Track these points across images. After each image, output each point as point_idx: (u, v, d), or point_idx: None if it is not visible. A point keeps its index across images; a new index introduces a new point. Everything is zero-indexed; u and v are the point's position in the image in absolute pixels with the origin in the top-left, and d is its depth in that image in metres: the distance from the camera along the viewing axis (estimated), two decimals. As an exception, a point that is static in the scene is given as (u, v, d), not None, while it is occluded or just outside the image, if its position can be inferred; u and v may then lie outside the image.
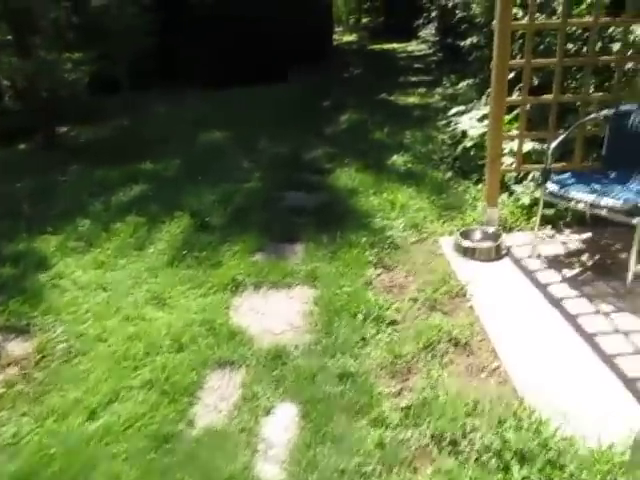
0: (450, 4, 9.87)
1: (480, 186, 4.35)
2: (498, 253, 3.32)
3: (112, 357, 2.68)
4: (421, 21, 17.26)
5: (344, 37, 22.51)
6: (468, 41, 5.39)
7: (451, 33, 11.41)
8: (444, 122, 5.49)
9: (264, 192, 4.82)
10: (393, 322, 2.80)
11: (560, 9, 3.94)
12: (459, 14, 5.52)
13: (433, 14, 14.95)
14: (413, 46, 17.10)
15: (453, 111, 5.60)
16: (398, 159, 5.33)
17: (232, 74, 10.75)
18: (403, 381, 2.40)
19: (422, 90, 9.07)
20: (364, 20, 29.07)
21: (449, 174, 4.74)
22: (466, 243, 3.38)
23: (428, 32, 16.29)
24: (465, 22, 5.61)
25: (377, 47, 17.89)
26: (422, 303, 2.93)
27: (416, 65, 12.58)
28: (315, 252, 3.63)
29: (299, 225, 4.09)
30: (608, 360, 2.32)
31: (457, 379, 2.36)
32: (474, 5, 5.16)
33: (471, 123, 4.69)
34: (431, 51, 14.79)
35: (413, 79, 10.49)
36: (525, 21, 3.41)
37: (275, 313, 3.03)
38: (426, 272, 3.26)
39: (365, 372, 2.45)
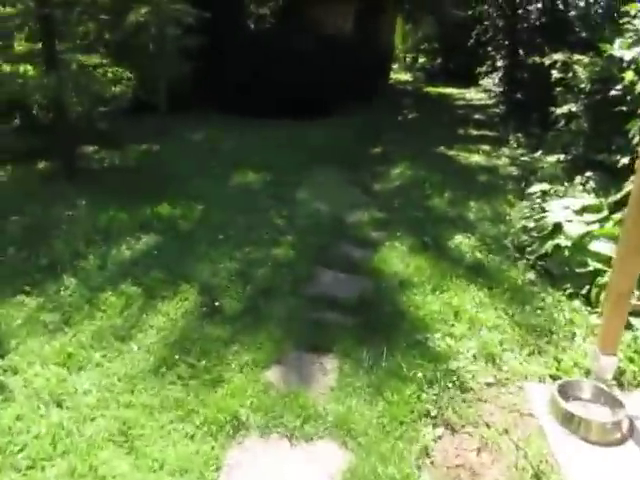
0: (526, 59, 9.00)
1: (577, 303, 3.33)
2: (619, 431, 2.29)
3: None
4: (484, 69, 16.44)
5: (399, 75, 21.88)
6: (565, 109, 4.43)
7: (521, 87, 10.50)
8: (526, 203, 4.47)
9: (294, 266, 3.90)
10: None
11: None
12: (555, 75, 4.59)
13: (499, 63, 14.09)
14: (472, 94, 16.24)
15: (535, 189, 4.62)
16: (463, 241, 4.35)
17: (279, 105, 10.05)
18: None
19: (486, 148, 8.11)
20: (421, 60, 28.54)
21: (531, 275, 3.73)
22: (570, 408, 2.36)
23: (490, 81, 15.42)
24: (561, 85, 4.66)
25: (433, 90, 17.11)
26: (509, 518, 1.92)
27: (477, 116, 11.65)
28: (351, 379, 2.66)
29: (332, 326, 3.14)
30: None
31: None
32: (579, 68, 4.19)
33: (566, 215, 3.69)
34: (492, 102, 13.87)
35: (474, 133, 9.56)
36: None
37: (285, 490, 2.06)
38: (510, 448, 2.25)
39: None
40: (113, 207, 4.82)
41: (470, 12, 17.73)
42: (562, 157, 4.58)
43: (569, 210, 3.78)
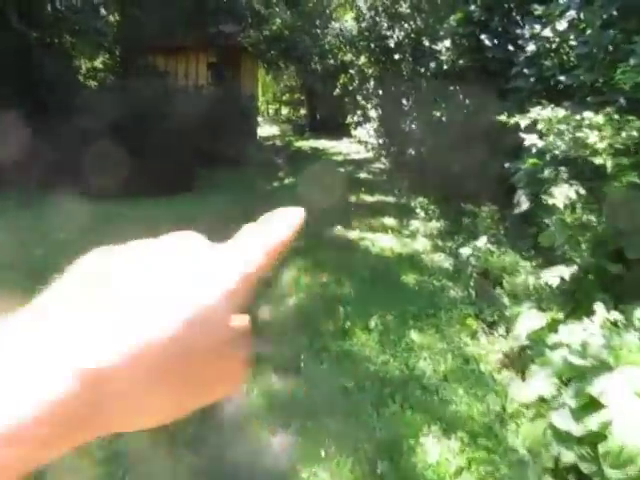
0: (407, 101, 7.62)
1: None
2: None
3: None
4: (355, 119, 15.41)
5: (265, 129, 20.35)
6: (561, 197, 2.65)
7: (402, 140, 9.14)
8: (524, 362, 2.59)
9: None
10: None
11: None
12: (533, 141, 2.87)
13: (372, 113, 12.99)
14: (346, 145, 15.06)
15: (525, 323, 2.83)
16: (443, 459, 2.32)
17: (118, 181, 7.60)
18: None
19: (391, 222, 6.42)
20: (284, 111, 27.57)
21: None
22: None
23: (364, 132, 14.34)
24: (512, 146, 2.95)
25: (305, 144, 15.67)
26: None
27: (362, 175, 10.16)
28: None
29: None
30: None
31: None
32: (589, 133, 2.41)
33: (624, 400, 1.84)
34: (372, 155, 12.67)
35: (369, 199, 7.92)
36: None
37: None
38: None
39: None
40: None
41: (333, 61, 16.86)
42: (567, 273, 2.83)
43: (630, 392, 1.95)
